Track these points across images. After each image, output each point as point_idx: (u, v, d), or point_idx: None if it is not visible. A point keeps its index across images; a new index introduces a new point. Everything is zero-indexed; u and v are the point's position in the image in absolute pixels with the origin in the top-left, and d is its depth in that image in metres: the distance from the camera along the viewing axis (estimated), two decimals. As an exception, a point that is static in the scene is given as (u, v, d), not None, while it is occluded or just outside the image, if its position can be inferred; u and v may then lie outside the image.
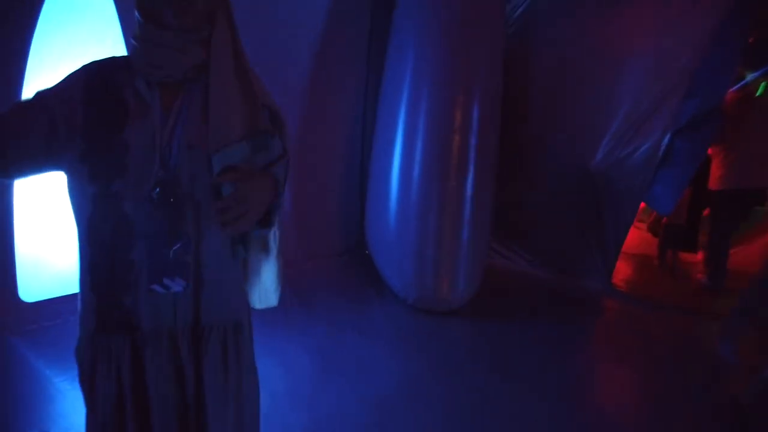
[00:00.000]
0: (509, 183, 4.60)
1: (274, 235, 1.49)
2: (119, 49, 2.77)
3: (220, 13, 1.26)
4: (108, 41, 3.00)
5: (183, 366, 1.31)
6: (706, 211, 5.57)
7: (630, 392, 3.43)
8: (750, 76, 5.79)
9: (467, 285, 3.98)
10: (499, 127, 4.04)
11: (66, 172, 1.25)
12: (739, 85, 6.33)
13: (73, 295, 1.35)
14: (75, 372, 1.33)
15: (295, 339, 3.42)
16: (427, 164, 3.80)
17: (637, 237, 6.06)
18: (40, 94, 1.22)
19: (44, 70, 2.68)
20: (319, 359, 3.25)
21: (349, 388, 2.95)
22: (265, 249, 1.50)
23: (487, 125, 3.87)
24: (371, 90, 4.55)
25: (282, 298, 1.65)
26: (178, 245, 1.24)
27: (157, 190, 1.21)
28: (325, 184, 4.71)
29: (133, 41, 1.25)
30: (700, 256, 5.70)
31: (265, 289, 1.59)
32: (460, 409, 2.87)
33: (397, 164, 3.90)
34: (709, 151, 5.09)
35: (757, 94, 7.71)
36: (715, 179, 5.02)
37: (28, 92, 1.36)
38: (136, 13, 1.21)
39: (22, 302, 3.04)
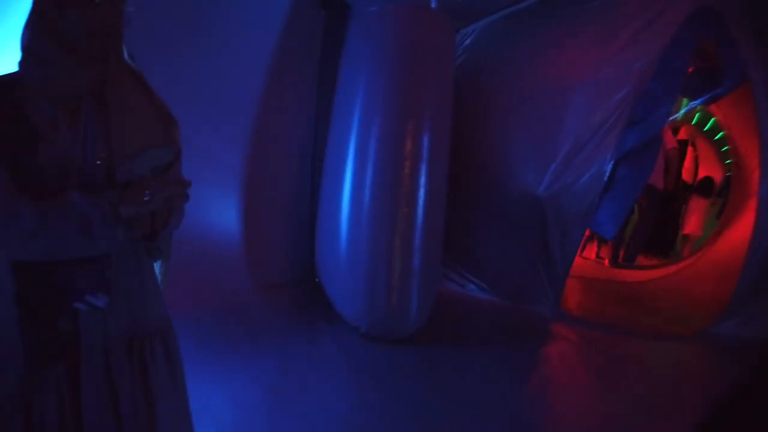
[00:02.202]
0: (460, 210, 4.63)
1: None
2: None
3: (116, 29, 1.27)
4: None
5: (116, 384, 1.32)
6: None
7: (584, 416, 3.44)
8: (689, 105, 6.06)
9: (419, 312, 3.95)
10: (449, 154, 4.07)
11: None
12: (678, 114, 6.63)
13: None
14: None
15: (244, 372, 3.29)
16: (378, 191, 3.78)
17: (585, 261, 6.19)
18: None
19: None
20: (269, 392, 3.13)
21: (302, 423, 2.84)
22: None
23: (438, 152, 3.89)
24: (321, 116, 4.53)
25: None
26: (97, 262, 1.25)
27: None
28: (275, 212, 4.63)
29: (29, 58, 1.22)
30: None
31: None
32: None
33: (347, 191, 3.86)
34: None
35: (693, 122, 8.09)
36: None
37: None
38: (29, 30, 1.20)
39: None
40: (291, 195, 4.71)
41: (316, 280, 4.43)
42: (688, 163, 7.89)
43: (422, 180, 3.79)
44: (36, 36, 1.19)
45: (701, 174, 7.63)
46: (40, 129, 1.21)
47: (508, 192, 4.71)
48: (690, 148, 7.99)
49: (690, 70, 5.18)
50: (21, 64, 1.22)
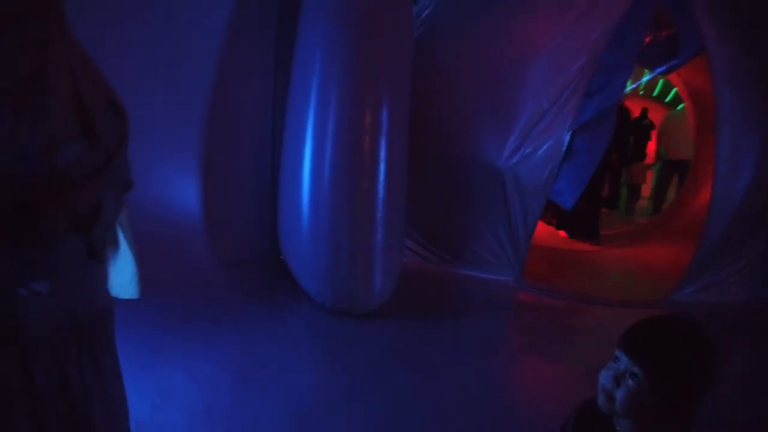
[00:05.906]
0: (422, 182, 4.64)
1: (124, 228, 1.53)
2: None
3: (53, 11, 1.23)
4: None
5: (34, 373, 1.26)
6: None
7: (552, 382, 3.51)
8: (647, 76, 6.15)
9: (384, 286, 3.97)
10: (409, 127, 4.06)
11: None
12: (636, 84, 6.72)
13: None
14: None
15: (208, 353, 3.27)
16: (338, 166, 3.75)
17: (546, 230, 6.29)
18: None
19: None
20: (235, 373, 3.12)
21: (268, 401, 2.83)
22: (114, 242, 1.52)
23: (398, 125, 3.87)
24: (280, 93, 4.46)
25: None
26: (39, 244, 1.22)
27: (17, 189, 1.17)
28: (235, 190, 4.57)
29: None
30: None
31: (122, 280, 1.59)
32: (383, 415, 2.82)
33: (307, 167, 3.82)
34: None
35: (654, 93, 8.23)
36: None
37: None
38: None
39: None
40: (251, 171, 4.66)
41: (280, 257, 4.40)
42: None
43: (382, 153, 3.77)
44: None
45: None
46: None
47: (468, 164, 4.74)
48: None
49: (647, 40, 5.24)
50: None
